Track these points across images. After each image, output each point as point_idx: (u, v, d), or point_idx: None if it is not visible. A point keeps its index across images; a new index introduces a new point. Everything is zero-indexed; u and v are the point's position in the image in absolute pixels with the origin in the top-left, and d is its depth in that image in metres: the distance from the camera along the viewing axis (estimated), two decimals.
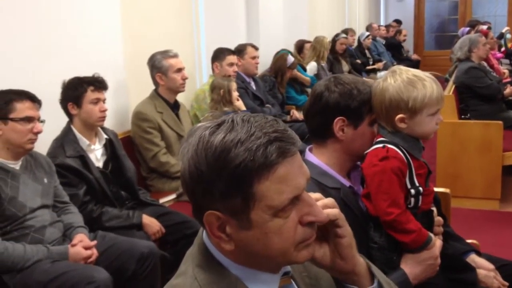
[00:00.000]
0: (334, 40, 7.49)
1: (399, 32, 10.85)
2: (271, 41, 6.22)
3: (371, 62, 9.00)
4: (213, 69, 4.66)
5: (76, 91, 2.93)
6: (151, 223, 3.00)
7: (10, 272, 2.35)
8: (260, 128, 0.96)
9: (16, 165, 2.51)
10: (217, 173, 0.94)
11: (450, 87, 5.14)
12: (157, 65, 3.70)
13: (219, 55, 4.61)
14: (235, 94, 4.07)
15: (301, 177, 0.99)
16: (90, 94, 2.94)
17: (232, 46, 5.04)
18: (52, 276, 2.34)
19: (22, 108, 2.45)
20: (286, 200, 0.96)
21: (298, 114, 5.36)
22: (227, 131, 0.96)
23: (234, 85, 4.10)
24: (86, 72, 3.01)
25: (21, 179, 2.50)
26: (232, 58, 4.61)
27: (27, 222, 2.47)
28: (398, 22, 11.84)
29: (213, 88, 4.06)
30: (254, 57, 5.07)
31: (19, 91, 2.49)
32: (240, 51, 5.05)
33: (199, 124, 1.02)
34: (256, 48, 5.18)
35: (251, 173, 0.94)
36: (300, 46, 6.89)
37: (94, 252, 2.56)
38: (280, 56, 5.73)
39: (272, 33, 6.46)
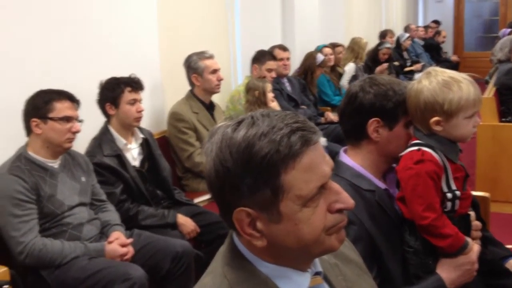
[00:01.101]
0: (377, 49, 7.34)
1: (438, 33, 10.65)
2: (307, 42, 6.20)
3: (409, 64, 8.86)
4: (251, 71, 4.67)
5: (114, 92, 2.98)
6: (185, 222, 3.03)
7: (48, 268, 2.40)
8: (281, 120, 0.97)
9: (55, 164, 2.57)
10: (243, 167, 0.95)
11: (490, 89, 5.02)
12: (193, 66, 3.73)
13: (260, 58, 4.62)
14: (270, 95, 4.07)
15: (326, 166, 0.99)
16: (127, 95, 2.99)
17: (266, 47, 5.05)
18: (89, 273, 2.39)
19: (61, 108, 2.51)
20: (314, 188, 0.96)
21: (332, 116, 5.32)
22: (249, 126, 0.97)
23: (269, 87, 4.09)
24: (123, 72, 3.06)
25: (60, 177, 2.56)
26: (272, 64, 4.61)
27: (65, 220, 2.52)
28: (437, 22, 11.62)
29: (248, 89, 4.06)
30: (281, 59, 5.06)
31: (58, 91, 2.55)
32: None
33: (220, 124, 1.03)
34: (284, 49, 5.16)
35: (277, 164, 0.94)
36: (331, 48, 6.84)
37: (130, 250, 2.59)
38: (309, 55, 5.71)
39: (307, 33, 6.44)
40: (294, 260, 1.03)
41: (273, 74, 4.63)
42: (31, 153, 2.50)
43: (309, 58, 5.69)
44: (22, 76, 2.80)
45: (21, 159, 2.46)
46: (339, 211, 1.01)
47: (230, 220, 1.00)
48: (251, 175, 0.94)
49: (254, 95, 4.01)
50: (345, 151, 1.77)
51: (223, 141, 0.97)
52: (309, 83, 5.65)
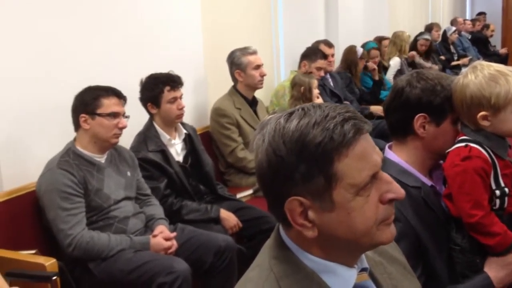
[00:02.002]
0: (415, 40, 7.23)
1: (486, 26, 10.35)
2: (350, 38, 6.13)
3: (455, 58, 8.65)
4: (300, 66, 4.64)
5: (153, 92, 3.01)
6: (228, 217, 3.05)
7: (95, 260, 2.46)
8: (332, 109, 0.97)
9: (102, 159, 2.63)
10: (297, 156, 0.95)
11: None
12: (236, 62, 3.74)
13: (311, 55, 4.59)
14: (316, 91, 4.02)
15: (377, 155, 0.99)
16: (167, 94, 3.00)
17: (310, 43, 5.02)
18: (134, 265, 2.44)
19: (108, 104, 2.56)
20: (366, 177, 0.97)
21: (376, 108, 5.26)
22: (301, 117, 0.97)
23: (315, 83, 4.05)
24: (167, 68, 3.09)
25: (106, 172, 2.62)
26: (322, 63, 4.59)
27: (112, 213, 2.58)
28: (483, 14, 11.30)
29: (294, 84, 4.03)
30: (326, 55, 5.01)
31: (106, 87, 2.60)
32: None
33: (270, 116, 1.03)
34: (330, 46, 5.11)
35: (331, 152, 0.94)
36: (378, 42, 6.75)
37: (174, 244, 2.63)
38: (349, 50, 5.65)
39: (351, 29, 6.37)
40: (342, 253, 1.02)
41: (322, 73, 4.60)
42: (79, 148, 2.57)
43: (350, 52, 5.63)
44: (71, 73, 2.88)
45: (69, 153, 2.53)
46: (390, 202, 1.01)
47: (280, 211, 1.00)
48: (305, 163, 0.95)
49: (299, 91, 3.98)
50: (390, 147, 1.75)
51: (276, 131, 0.98)
52: (354, 76, 5.60)
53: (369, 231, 0.99)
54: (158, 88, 3.00)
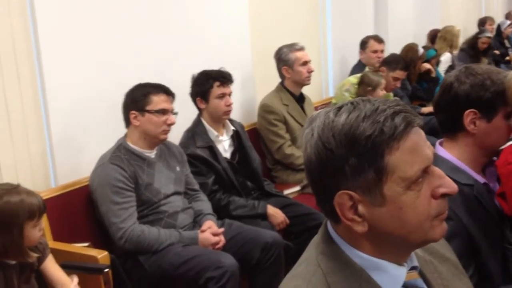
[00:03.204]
0: (476, 37, 7.00)
1: None
2: (400, 33, 6.02)
3: (510, 52, 8.36)
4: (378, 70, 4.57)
5: (203, 87, 3.05)
6: (275, 213, 3.06)
7: (145, 253, 2.52)
8: (382, 103, 0.96)
9: (152, 154, 2.68)
10: (347, 149, 0.94)
11: None
12: (283, 58, 3.74)
13: (391, 63, 4.47)
14: (381, 93, 3.95)
15: (428, 149, 0.97)
16: (216, 90, 3.04)
17: (358, 38, 4.96)
18: (183, 259, 2.48)
19: (157, 101, 2.60)
20: (418, 171, 0.95)
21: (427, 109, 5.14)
22: (350, 110, 0.96)
23: (382, 84, 3.98)
24: (215, 66, 3.12)
25: (156, 167, 2.66)
26: (401, 74, 4.48)
27: (162, 208, 2.63)
28: None
29: (361, 82, 3.95)
30: (375, 51, 4.92)
31: (155, 84, 2.65)
32: (363, 43, 4.96)
33: (318, 111, 1.02)
34: (379, 41, 5.03)
35: (381, 145, 0.93)
36: (433, 36, 6.57)
37: (222, 239, 2.66)
38: (409, 48, 5.51)
39: (401, 24, 6.25)
40: (392, 249, 1.01)
41: (398, 84, 4.50)
42: (129, 144, 2.62)
43: (411, 50, 5.49)
44: (122, 71, 2.95)
45: (120, 149, 2.59)
46: (443, 197, 0.98)
47: (329, 206, 0.99)
48: (355, 156, 0.94)
49: (365, 90, 3.92)
50: (441, 144, 1.71)
51: (325, 124, 0.97)
52: (411, 75, 5.47)
53: (421, 227, 0.97)
54: (208, 83, 3.04)
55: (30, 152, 2.59)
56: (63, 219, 2.56)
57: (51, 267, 2.12)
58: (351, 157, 0.94)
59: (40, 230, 2.00)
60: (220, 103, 3.06)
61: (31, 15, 2.57)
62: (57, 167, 2.71)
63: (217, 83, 3.05)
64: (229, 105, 3.09)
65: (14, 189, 1.96)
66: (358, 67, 4.79)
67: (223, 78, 3.06)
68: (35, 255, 2.00)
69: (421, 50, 5.47)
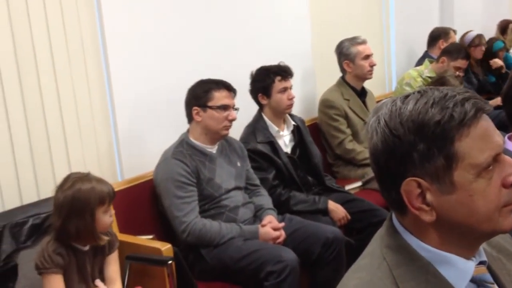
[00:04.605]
0: None
1: None
2: (467, 24, 5.80)
3: None
4: (438, 60, 4.34)
5: (264, 82, 3.06)
6: (336, 209, 3.03)
7: (207, 247, 2.56)
8: (450, 90, 0.95)
9: (213, 149, 2.72)
10: (415, 134, 0.92)
11: None
12: (344, 52, 3.70)
13: (453, 52, 4.26)
14: None
15: (498, 137, 0.95)
16: (278, 84, 3.05)
17: (423, 30, 4.83)
18: (244, 253, 2.50)
19: (219, 97, 2.64)
20: (488, 157, 0.92)
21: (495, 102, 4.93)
22: (417, 98, 0.95)
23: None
24: (275, 61, 3.13)
25: (218, 162, 2.70)
26: (464, 63, 4.27)
27: (223, 202, 2.66)
28: None
29: (437, 79, 3.78)
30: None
31: (217, 80, 2.68)
32: (439, 36, 4.82)
33: (385, 100, 1.01)
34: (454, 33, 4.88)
35: (451, 131, 0.91)
36: (504, 26, 6.27)
37: (282, 234, 2.66)
38: (491, 39, 5.30)
39: (468, 14, 6.03)
40: (460, 241, 0.98)
41: (461, 73, 4.32)
42: (192, 139, 2.67)
43: (490, 41, 5.30)
44: (184, 68, 3.01)
45: (183, 144, 2.64)
46: None
47: (395, 195, 0.97)
48: (424, 142, 0.92)
49: None
50: (510, 138, 1.64)
51: (392, 112, 0.96)
52: (476, 65, 5.28)
53: (491, 216, 0.94)
54: (270, 78, 3.05)
55: (98, 148, 2.69)
56: (129, 212, 2.64)
57: (112, 262, 2.20)
58: (419, 144, 0.92)
59: (111, 216, 2.09)
60: (282, 97, 3.07)
61: (98, 15, 2.66)
62: (123, 162, 2.81)
63: (278, 78, 3.06)
64: (291, 99, 3.09)
65: (85, 176, 2.06)
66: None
67: (284, 72, 3.07)
68: (106, 238, 2.09)
69: (470, 35, 5.20)
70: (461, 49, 4.36)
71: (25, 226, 2.24)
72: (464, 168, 0.92)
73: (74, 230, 2.00)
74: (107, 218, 2.07)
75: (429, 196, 0.94)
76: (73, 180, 2.03)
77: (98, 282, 2.13)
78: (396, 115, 0.95)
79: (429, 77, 4.22)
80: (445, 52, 4.33)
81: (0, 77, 2.32)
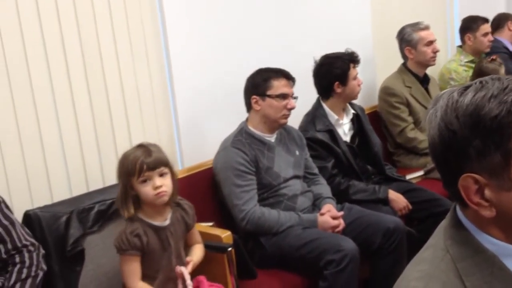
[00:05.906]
0: None
1: None
2: None
3: None
4: (463, 41, 4.30)
5: (341, 70, 3.01)
6: (397, 198, 2.98)
7: (266, 234, 2.57)
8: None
9: (272, 138, 2.73)
10: (471, 130, 0.90)
11: None
12: (406, 38, 3.61)
13: (470, 25, 4.23)
14: None
15: None
16: (353, 71, 3.03)
17: (489, 15, 4.63)
18: (303, 241, 2.50)
19: (278, 86, 2.63)
20: None
21: None
22: (477, 90, 0.91)
23: (502, 70, 3.72)
24: (335, 49, 3.09)
25: (276, 151, 2.70)
26: (487, 27, 4.20)
27: (281, 191, 2.67)
28: None
29: (477, 74, 3.70)
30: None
31: (276, 69, 2.68)
32: (500, 21, 4.61)
33: (444, 90, 0.98)
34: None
35: (509, 126, 0.88)
36: None
37: (341, 223, 2.64)
38: None
39: None
40: None
41: (490, 38, 4.20)
42: (251, 128, 2.69)
43: None
44: (243, 56, 3.03)
45: (242, 133, 2.66)
46: None
47: (455, 189, 0.95)
48: (480, 138, 0.89)
49: None
50: None
51: (448, 105, 0.93)
52: None
53: None
54: (346, 65, 3.02)
55: (160, 137, 2.75)
56: (189, 199, 2.65)
57: (194, 232, 2.30)
58: (475, 139, 0.89)
59: (155, 188, 2.02)
60: (355, 83, 3.05)
61: (159, 7, 2.71)
62: (184, 151, 2.86)
63: (352, 64, 3.03)
64: (360, 85, 3.07)
65: (136, 146, 2.11)
66: (498, 42, 4.46)
67: (356, 57, 3.05)
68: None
69: None
70: (474, 18, 4.20)
71: (91, 212, 2.33)
72: None
73: (135, 201, 2.06)
74: (148, 189, 2.02)
75: (487, 192, 0.92)
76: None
77: (181, 268, 2.10)
78: (452, 109, 0.92)
79: (468, 61, 4.12)
80: (464, 30, 4.22)
81: (68, 75, 2.40)
